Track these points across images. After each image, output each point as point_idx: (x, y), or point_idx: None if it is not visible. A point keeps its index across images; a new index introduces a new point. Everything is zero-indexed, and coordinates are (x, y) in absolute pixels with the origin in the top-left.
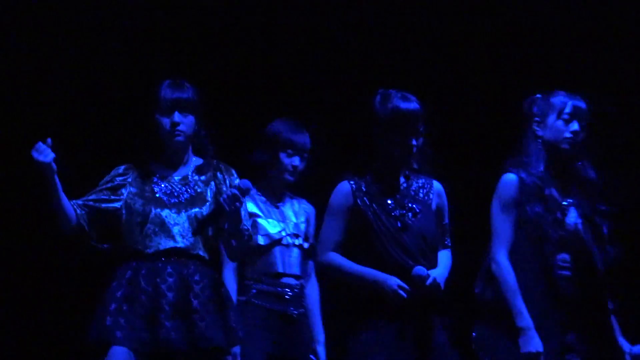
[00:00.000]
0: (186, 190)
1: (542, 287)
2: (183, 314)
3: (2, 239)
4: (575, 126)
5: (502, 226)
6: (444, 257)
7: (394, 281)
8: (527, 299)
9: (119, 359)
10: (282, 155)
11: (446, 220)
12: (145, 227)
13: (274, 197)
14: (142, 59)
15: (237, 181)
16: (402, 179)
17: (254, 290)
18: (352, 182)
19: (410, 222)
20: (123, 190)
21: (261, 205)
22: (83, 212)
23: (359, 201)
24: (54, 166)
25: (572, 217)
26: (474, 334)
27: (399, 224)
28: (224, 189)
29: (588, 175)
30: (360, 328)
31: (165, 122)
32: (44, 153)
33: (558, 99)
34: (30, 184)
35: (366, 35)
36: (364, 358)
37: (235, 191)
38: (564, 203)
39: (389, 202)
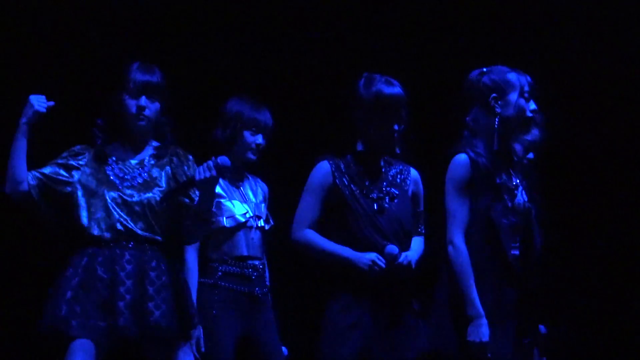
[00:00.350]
0: (139, 175)
1: (496, 271)
2: (139, 302)
3: None
4: (533, 105)
5: (458, 209)
6: (417, 243)
7: (371, 255)
8: (482, 283)
9: (80, 352)
10: (246, 134)
11: (421, 208)
12: (98, 211)
13: (235, 177)
14: (105, 39)
15: (193, 168)
16: (381, 163)
17: (220, 273)
18: (331, 162)
19: (387, 205)
20: (74, 173)
21: (223, 185)
22: (35, 182)
23: (337, 181)
24: (39, 119)
25: (521, 196)
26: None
27: (376, 207)
28: (188, 171)
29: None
30: (332, 305)
31: (131, 104)
32: (41, 102)
33: (515, 76)
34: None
35: (348, 16)
36: (335, 335)
37: (211, 162)
38: (514, 183)
39: (367, 184)
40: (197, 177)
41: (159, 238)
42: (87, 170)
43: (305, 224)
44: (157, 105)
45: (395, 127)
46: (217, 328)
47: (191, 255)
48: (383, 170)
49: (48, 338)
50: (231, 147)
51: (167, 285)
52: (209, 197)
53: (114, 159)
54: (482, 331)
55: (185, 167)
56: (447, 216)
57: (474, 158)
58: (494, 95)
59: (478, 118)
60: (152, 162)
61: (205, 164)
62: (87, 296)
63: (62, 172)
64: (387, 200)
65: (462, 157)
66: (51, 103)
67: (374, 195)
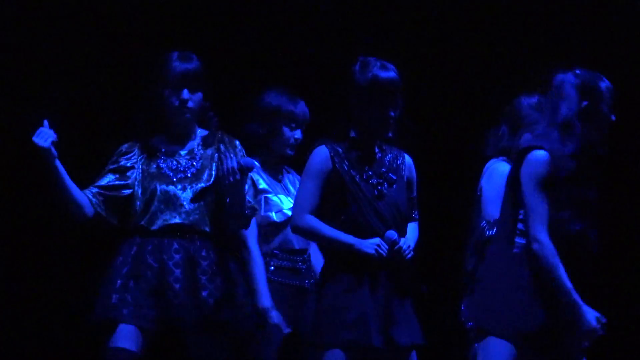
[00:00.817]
0: (192, 165)
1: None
2: (191, 291)
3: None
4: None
5: (540, 204)
6: (412, 229)
7: (375, 240)
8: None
9: (126, 337)
10: (285, 130)
11: (414, 194)
12: (152, 204)
13: (275, 171)
14: (137, 31)
15: (240, 155)
16: (376, 149)
17: (272, 267)
18: (329, 147)
19: (385, 191)
20: (130, 173)
21: (266, 180)
22: (98, 200)
23: (337, 166)
24: (54, 151)
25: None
26: (462, 306)
27: (376, 192)
28: (227, 160)
29: None
30: (331, 287)
31: (174, 98)
32: (42, 136)
33: (605, 86)
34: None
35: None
36: (334, 315)
37: (235, 164)
38: None
39: (366, 169)
40: (225, 181)
41: (207, 229)
42: (140, 166)
43: (306, 210)
44: (199, 95)
45: (391, 113)
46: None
47: (254, 246)
48: (379, 155)
49: (100, 326)
50: (268, 142)
51: (218, 275)
52: (239, 198)
53: (163, 152)
54: (592, 315)
55: (232, 154)
56: (528, 212)
57: (554, 155)
58: (585, 103)
59: (569, 120)
60: (202, 151)
61: (229, 168)
62: (137, 285)
63: (117, 177)
64: (385, 185)
65: (542, 154)
66: (45, 123)
67: (374, 181)
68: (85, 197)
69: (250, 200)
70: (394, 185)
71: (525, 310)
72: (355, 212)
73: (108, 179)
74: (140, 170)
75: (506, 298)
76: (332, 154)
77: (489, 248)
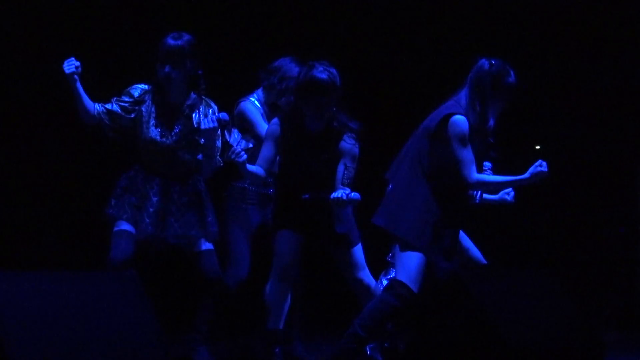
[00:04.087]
0: (178, 119)
1: None
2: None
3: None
4: None
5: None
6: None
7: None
8: None
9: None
10: None
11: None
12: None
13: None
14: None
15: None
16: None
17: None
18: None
19: None
20: (137, 108)
21: None
22: (102, 109)
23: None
24: (75, 77)
25: None
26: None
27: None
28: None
29: None
30: None
31: (160, 70)
32: (67, 66)
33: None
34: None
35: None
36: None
37: (215, 117)
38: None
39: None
40: (202, 126)
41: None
42: (144, 110)
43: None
44: (184, 65)
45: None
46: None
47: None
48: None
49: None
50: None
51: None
52: (212, 142)
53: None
54: (527, 176)
55: (210, 111)
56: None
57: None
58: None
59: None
60: (188, 111)
61: (209, 117)
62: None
63: (123, 108)
64: None
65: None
66: (72, 59)
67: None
68: (92, 105)
69: (219, 159)
70: None
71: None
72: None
73: (116, 107)
74: (143, 111)
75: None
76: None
77: None
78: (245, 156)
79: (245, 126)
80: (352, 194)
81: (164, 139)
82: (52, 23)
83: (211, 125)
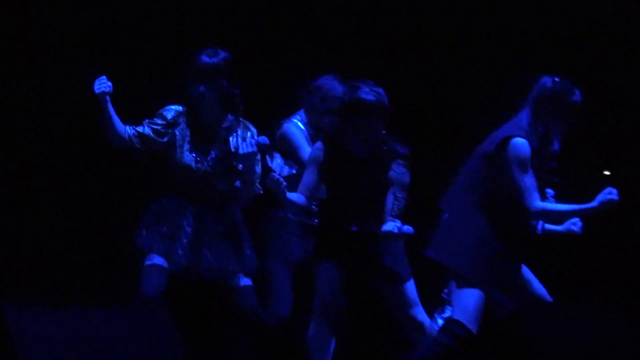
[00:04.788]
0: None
1: None
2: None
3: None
4: None
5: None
6: None
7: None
8: None
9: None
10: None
11: None
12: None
13: None
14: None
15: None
16: None
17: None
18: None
19: None
20: (170, 131)
21: None
22: (134, 132)
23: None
24: (107, 97)
25: None
26: None
27: None
28: (247, 138)
29: None
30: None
31: (194, 90)
32: (98, 86)
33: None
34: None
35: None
36: None
37: (254, 141)
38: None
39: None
40: (240, 151)
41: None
42: (178, 134)
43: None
44: (219, 84)
45: None
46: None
47: None
48: None
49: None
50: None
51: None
52: (251, 168)
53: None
54: (595, 204)
55: (249, 134)
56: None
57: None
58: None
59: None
60: (224, 134)
61: (248, 141)
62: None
63: (155, 132)
64: None
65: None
66: (103, 78)
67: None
68: (123, 128)
69: (258, 186)
70: None
71: None
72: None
73: (148, 130)
74: (177, 135)
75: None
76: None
77: None
78: (285, 183)
79: (288, 150)
80: (404, 227)
81: (199, 165)
82: (81, 41)
83: (250, 149)
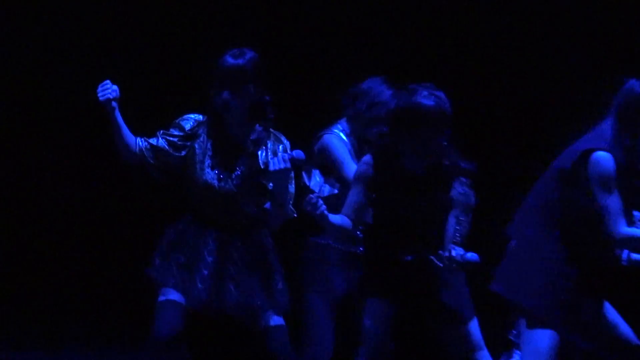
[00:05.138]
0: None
1: None
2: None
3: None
4: None
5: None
6: None
7: None
8: None
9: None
10: None
11: None
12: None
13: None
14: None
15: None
16: None
17: None
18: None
19: None
20: (188, 144)
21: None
22: (146, 145)
23: None
24: (113, 104)
25: None
26: None
27: None
28: (278, 152)
29: None
30: None
31: (217, 96)
32: (102, 92)
33: None
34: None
35: None
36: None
37: (287, 155)
38: None
39: None
40: (270, 167)
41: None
42: (197, 147)
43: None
44: (246, 89)
45: None
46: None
47: None
48: None
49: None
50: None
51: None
52: (283, 187)
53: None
54: None
55: (281, 148)
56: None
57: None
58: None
59: None
60: (252, 147)
61: (280, 156)
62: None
63: (171, 144)
64: None
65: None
66: (107, 82)
67: None
68: (133, 139)
69: (291, 207)
70: None
71: None
72: None
73: (162, 142)
74: (196, 149)
75: None
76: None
77: None
78: (325, 205)
79: (328, 166)
80: (467, 254)
81: (222, 183)
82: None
83: (282, 165)
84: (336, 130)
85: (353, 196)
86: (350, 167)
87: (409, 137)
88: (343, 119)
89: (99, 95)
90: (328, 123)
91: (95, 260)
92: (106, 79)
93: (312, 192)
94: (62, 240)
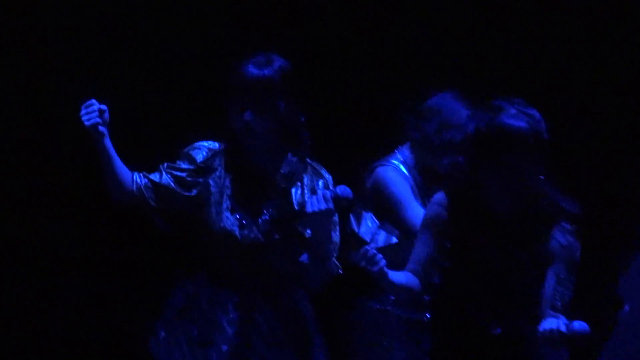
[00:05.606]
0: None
1: None
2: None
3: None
4: None
5: None
6: None
7: None
8: None
9: None
10: None
11: None
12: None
13: None
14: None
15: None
16: None
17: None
18: None
19: None
20: (201, 180)
21: None
22: (145, 182)
23: None
24: (101, 129)
25: None
26: None
27: None
28: (318, 190)
29: None
30: None
31: (237, 117)
32: (87, 115)
33: None
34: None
35: None
36: None
37: (329, 193)
38: None
39: None
40: (308, 209)
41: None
42: (212, 183)
43: None
44: (277, 107)
45: None
46: None
47: None
48: None
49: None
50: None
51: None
52: (325, 236)
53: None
54: None
55: (322, 184)
56: None
57: None
58: None
59: None
60: (283, 183)
61: (320, 195)
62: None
63: (178, 180)
64: None
65: None
66: (92, 102)
67: None
68: (128, 173)
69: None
70: None
71: None
72: None
73: (166, 177)
74: (212, 185)
75: None
76: None
77: None
78: (384, 261)
79: (386, 207)
80: (574, 324)
81: (245, 231)
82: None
83: (323, 206)
84: (395, 161)
85: (420, 247)
86: (414, 209)
87: (493, 169)
88: (404, 146)
89: (83, 119)
90: (384, 151)
91: (89, 330)
92: (91, 98)
93: (364, 241)
94: (45, 294)
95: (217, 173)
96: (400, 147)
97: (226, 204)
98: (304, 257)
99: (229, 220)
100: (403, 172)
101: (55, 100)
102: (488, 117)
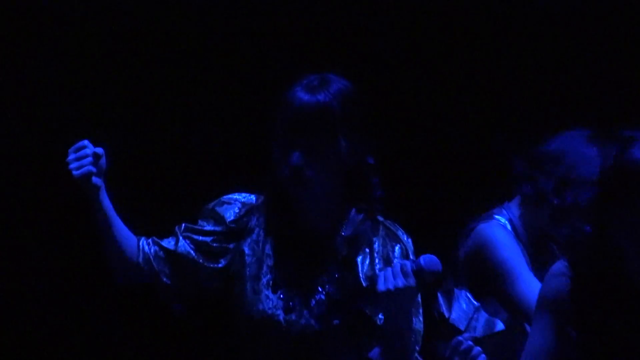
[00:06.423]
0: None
1: None
2: None
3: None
4: None
5: None
6: None
7: None
8: None
9: None
10: None
11: None
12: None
13: None
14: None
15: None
16: None
17: None
18: None
19: None
20: (231, 247)
21: None
22: (155, 250)
23: None
24: (95, 181)
25: None
26: None
27: None
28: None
29: None
30: None
31: (280, 160)
32: (77, 161)
33: None
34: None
35: None
36: None
37: (410, 265)
38: None
39: None
40: (380, 287)
41: None
42: (248, 250)
43: None
44: (332, 148)
45: None
46: None
47: None
48: None
49: None
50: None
51: None
52: (402, 321)
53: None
54: None
55: (397, 253)
56: None
57: None
58: None
59: None
60: (345, 249)
61: (397, 267)
62: None
63: (202, 244)
64: None
65: None
66: (97, 151)
67: None
68: (131, 237)
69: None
70: None
71: None
72: None
73: (184, 241)
74: (247, 252)
75: None
76: None
77: None
78: (485, 355)
79: (490, 278)
80: None
81: (293, 316)
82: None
83: (400, 283)
84: (499, 218)
85: (535, 337)
86: (530, 282)
87: (633, 222)
88: (515, 199)
89: (72, 167)
90: (483, 208)
91: None
92: (83, 139)
93: (457, 329)
94: None
95: (254, 237)
96: (506, 202)
97: (266, 278)
98: (374, 353)
99: (271, 302)
100: (509, 230)
101: (38, 141)
102: (618, 151)
